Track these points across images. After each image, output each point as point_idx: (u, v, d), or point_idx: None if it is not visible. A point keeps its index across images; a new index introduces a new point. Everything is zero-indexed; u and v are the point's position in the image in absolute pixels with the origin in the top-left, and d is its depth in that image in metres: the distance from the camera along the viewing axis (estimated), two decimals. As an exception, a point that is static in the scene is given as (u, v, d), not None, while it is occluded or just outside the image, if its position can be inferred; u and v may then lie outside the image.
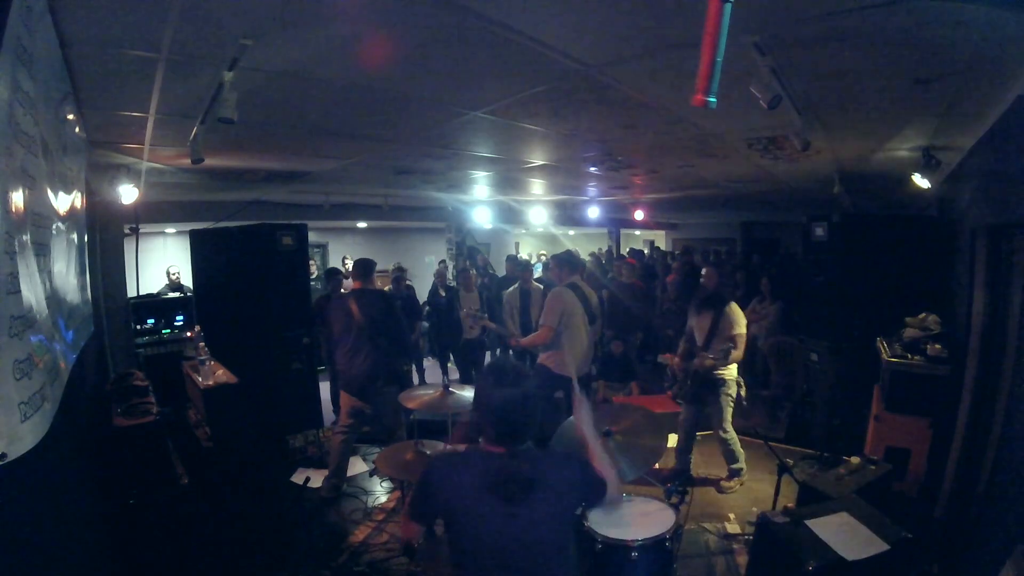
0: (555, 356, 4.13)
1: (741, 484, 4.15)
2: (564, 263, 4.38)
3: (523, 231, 14.25)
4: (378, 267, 4.39)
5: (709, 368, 3.86)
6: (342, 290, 6.46)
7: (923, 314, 3.98)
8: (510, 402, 1.48)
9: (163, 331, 5.39)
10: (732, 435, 4.04)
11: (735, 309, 3.97)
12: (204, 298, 5.43)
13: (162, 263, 7.41)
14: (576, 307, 4.18)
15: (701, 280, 3.97)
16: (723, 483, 4.17)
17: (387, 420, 4.04)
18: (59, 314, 1.85)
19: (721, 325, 3.92)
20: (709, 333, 3.98)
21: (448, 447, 2.88)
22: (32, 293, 1.38)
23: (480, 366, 7.02)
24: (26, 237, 1.36)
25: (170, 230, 8.49)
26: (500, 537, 1.47)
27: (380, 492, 4.22)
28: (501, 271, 8.55)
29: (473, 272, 7.35)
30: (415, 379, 7.23)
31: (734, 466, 4.12)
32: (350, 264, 8.18)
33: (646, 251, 12.96)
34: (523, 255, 14.12)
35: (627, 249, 11.84)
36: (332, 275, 6.30)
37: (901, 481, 3.53)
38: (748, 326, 4.19)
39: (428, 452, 2.98)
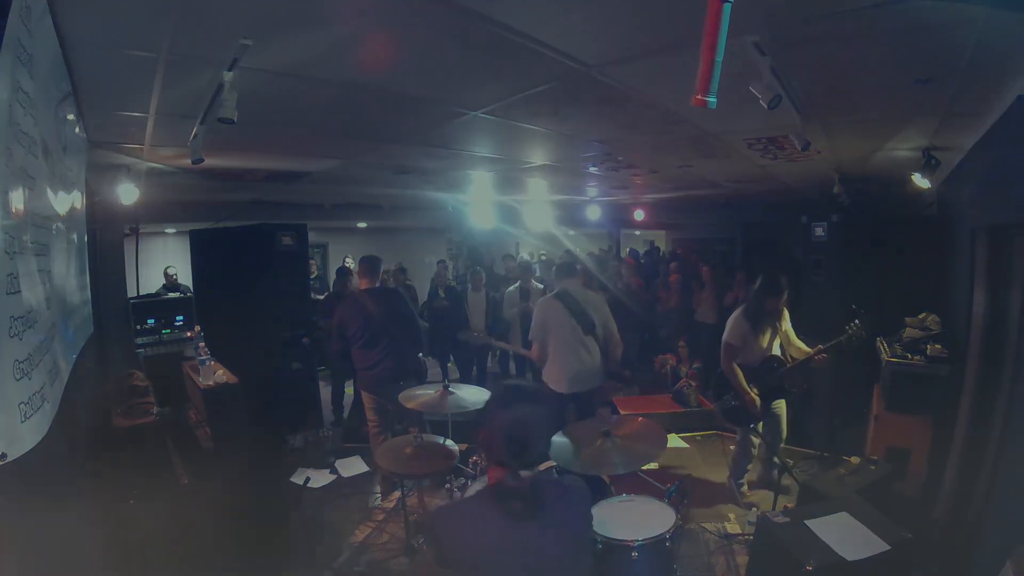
0: (547, 372, 3.93)
1: None
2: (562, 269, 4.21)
3: (523, 231, 14.22)
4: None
5: (820, 363, 3.72)
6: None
7: (923, 314, 3.98)
8: (516, 422, 1.44)
9: (163, 331, 5.39)
10: None
11: (787, 316, 3.97)
12: (204, 298, 5.44)
13: (162, 263, 7.40)
14: (560, 317, 3.85)
15: (766, 307, 3.81)
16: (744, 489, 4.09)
17: (410, 416, 3.97)
18: (59, 314, 1.84)
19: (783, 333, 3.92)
20: (771, 343, 3.90)
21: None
22: (32, 293, 1.38)
23: (481, 366, 7.02)
24: (26, 237, 1.36)
25: (170, 230, 8.49)
26: (509, 567, 1.40)
27: (380, 492, 4.21)
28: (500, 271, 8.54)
29: (481, 273, 7.30)
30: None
31: (749, 467, 4.13)
32: (352, 263, 8.18)
33: (646, 250, 12.94)
34: (523, 255, 14.11)
35: (627, 250, 11.82)
36: (341, 274, 6.29)
37: (901, 481, 3.53)
38: None
39: (424, 446, 2.99)
